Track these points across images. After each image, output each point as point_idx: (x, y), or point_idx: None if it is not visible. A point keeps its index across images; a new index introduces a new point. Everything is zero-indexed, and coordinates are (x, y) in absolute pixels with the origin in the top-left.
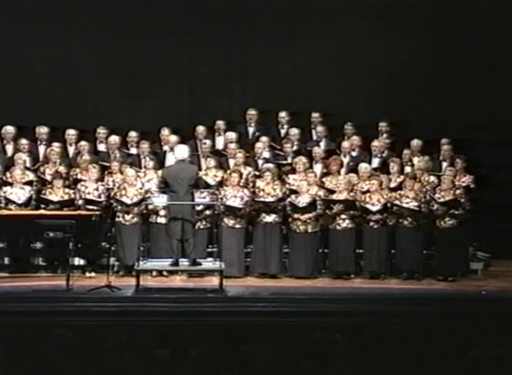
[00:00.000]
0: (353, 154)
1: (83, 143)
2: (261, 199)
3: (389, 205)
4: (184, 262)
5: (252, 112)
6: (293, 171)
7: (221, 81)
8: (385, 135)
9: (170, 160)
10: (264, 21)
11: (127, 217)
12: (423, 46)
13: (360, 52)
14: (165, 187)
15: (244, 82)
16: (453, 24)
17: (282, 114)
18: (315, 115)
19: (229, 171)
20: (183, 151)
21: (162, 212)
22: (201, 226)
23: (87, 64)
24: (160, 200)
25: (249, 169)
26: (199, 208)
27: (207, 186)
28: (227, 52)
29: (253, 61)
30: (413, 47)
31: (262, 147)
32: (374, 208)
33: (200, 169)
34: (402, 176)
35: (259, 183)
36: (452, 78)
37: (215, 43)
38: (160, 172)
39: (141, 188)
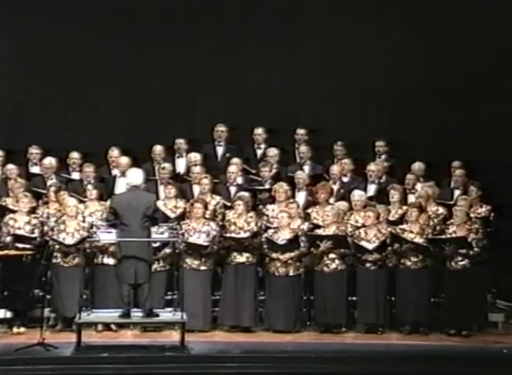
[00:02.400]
0: (345, 179)
1: (10, 166)
2: (232, 235)
3: (388, 241)
4: (137, 313)
5: (221, 128)
6: (272, 200)
7: (181, 91)
8: (382, 157)
9: (121, 187)
10: (237, 20)
11: (67, 258)
12: (425, 51)
13: (351, 59)
14: (114, 219)
15: (210, 92)
16: (461, 29)
17: (259, 131)
18: (301, 131)
19: (191, 201)
20: (136, 176)
21: (111, 251)
22: (158, 269)
23: (16, 69)
24: (108, 236)
25: (217, 198)
26: (156, 245)
27: (166, 219)
28: (189, 54)
29: (220, 65)
30: (413, 53)
31: (235, 171)
32: (370, 246)
33: (157, 199)
34: (404, 207)
35: (230, 215)
36: (459, 90)
37: (174, 44)
38: (108, 202)
39: (84, 221)
